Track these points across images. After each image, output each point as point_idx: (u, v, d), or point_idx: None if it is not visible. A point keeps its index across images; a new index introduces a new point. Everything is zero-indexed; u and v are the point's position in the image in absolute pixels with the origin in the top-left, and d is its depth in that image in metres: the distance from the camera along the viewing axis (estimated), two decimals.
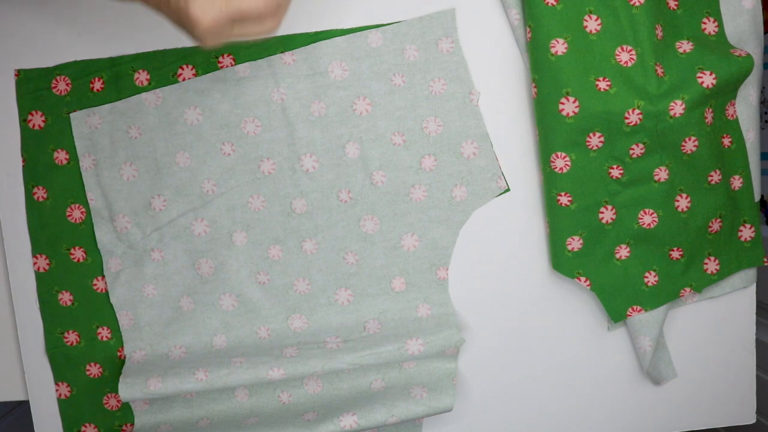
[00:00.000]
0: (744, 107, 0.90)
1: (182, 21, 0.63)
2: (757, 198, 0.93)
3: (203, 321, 0.93)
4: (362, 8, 0.88)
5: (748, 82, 0.89)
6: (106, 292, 0.93)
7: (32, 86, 0.89)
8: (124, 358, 0.93)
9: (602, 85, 0.83)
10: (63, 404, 0.95)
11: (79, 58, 0.89)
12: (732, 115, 0.90)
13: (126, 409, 0.94)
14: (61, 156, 0.90)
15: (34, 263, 0.92)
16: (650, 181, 0.88)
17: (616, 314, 0.92)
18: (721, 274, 0.93)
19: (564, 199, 0.88)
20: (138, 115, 0.89)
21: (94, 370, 0.94)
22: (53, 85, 0.89)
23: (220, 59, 0.88)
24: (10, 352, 0.96)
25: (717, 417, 0.99)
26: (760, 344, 1.03)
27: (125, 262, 0.92)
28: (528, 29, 0.85)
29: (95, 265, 0.92)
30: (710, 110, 0.86)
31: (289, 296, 0.93)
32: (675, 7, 0.87)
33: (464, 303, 0.94)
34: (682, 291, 0.92)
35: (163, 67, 0.89)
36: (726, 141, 0.90)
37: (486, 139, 0.90)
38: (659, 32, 0.84)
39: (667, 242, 0.90)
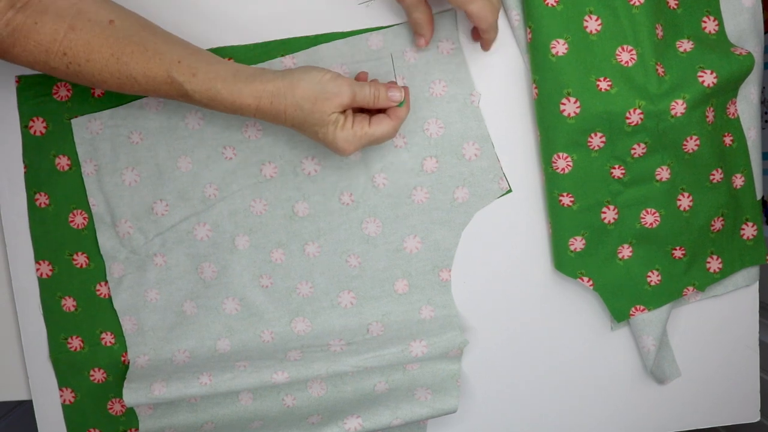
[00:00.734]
0: (745, 106, 0.90)
1: (328, 146, 0.80)
2: (759, 196, 0.93)
3: (207, 325, 0.93)
4: (362, 11, 0.88)
5: (749, 80, 0.89)
6: (110, 297, 0.92)
7: (33, 92, 0.89)
8: (128, 363, 0.93)
9: (603, 85, 0.83)
10: (67, 410, 0.94)
11: None
12: (733, 114, 0.90)
13: (130, 414, 0.94)
14: (62, 162, 0.90)
15: (37, 269, 0.92)
16: (652, 180, 0.88)
17: (619, 314, 0.93)
18: (724, 273, 0.93)
19: (566, 200, 0.88)
20: (139, 120, 0.89)
21: (98, 375, 0.94)
22: (54, 92, 0.89)
23: None
24: (13, 353, 0.96)
25: (721, 416, 0.99)
26: (762, 345, 1.02)
27: (128, 268, 0.92)
28: (528, 30, 0.85)
29: (98, 270, 0.92)
30: (711, 109, 0.86)
31: (292, 299, 0.93)
32: (675, 7, 0.87)
33: (467, 304, 0.94)
34: (685, 290, 0.92)
35: None
36: (727, 140, 0.90)
37: (487, 140, 0.90)
38: (659, 32, 0.84)
39: (670, 241, 0.90)
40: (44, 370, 0.94)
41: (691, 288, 0.92)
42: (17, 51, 0.73)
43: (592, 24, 0.84)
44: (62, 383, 0.94)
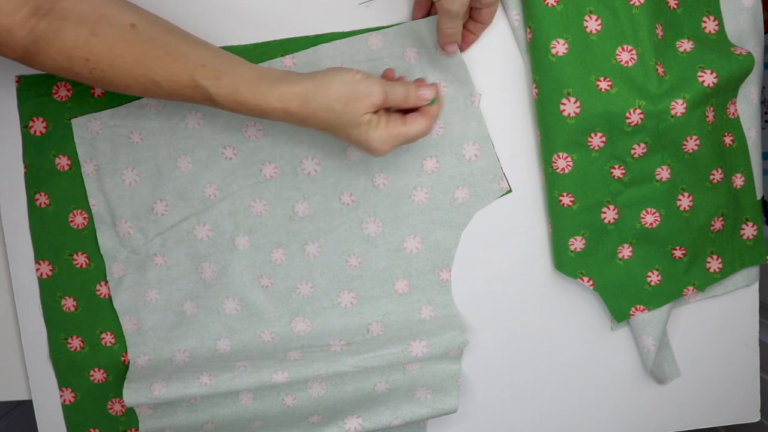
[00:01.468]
0: (745, 106, 0.90)
1: (362, 147, 0.79)
2: (759, 196, 0.93)
3: (207, 325, 0.93)
4: (362, 11, 0.88)
5: (749, 80, 0.89)
6: (110, 297, 0.92)
7: (33, 92, 0.89)
8: (128, 363, 0.93)
9: (603, 85, 0.83)
10: (67, 410, 0.94)
11: None
12: (733, 114, 0.90)
13: (130, 414, 0.94)
14: (62, 162, 0.90)
15: (37, 269, 0.92)
16: (652, 180, 0.88)
17: (619, 314, 0.92)
18: (724, 273, 0.93)
19: (566, 200, 0.88)
20: (139, 120, 0.89)
21: (98, 375, 0.94)
22: (54, 91, 0.89)
23: None
24: (13, 353, 0.95)
25: (721, 416, 0.99)
26: (762, 345, 1.02)
27: (128, 268, 0.92)
28: (528, 30, 0.85)
29: (98, 270, 0.92)
30: (711, 109, 0.86)
31: (292, 300, 0.93)
32: (675, 6, 0.87)
33: (467, 304, 0.94)
34: (685, 290, 0.92)
35: None
36: (727, 139, 0.90)
37: (487, 140, 0.90)
38: (659, 32, 0.84)
39: (670, 241, 0.90)
40: (44, 370, 0.94)
41: (691, 288, 0.92)
42: (42, 59, 0.72)
43: (592, 24, 0.84)
44: (62, 383, 0.94)
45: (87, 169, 0.90)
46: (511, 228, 0.93)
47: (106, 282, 0.92)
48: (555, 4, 0.83)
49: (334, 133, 0.78)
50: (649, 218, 0.89)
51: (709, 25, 0.88)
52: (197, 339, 0.93)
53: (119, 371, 0.93)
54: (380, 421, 0.89)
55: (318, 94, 0.74)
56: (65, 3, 0.71)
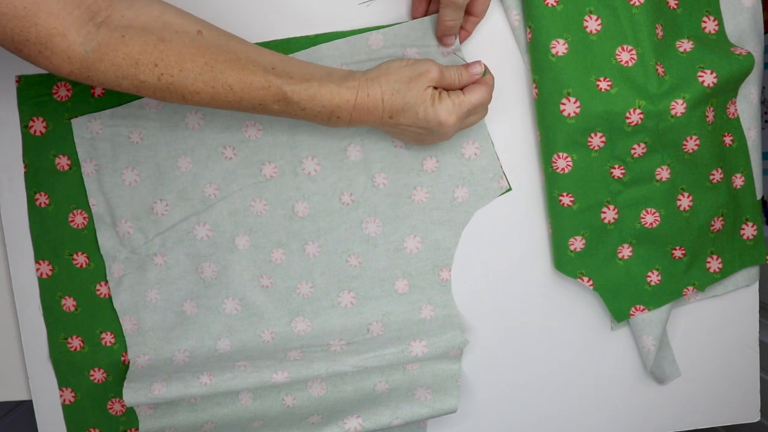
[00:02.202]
0: (745, 106, 0.90)
1: (430, 125, 0.79)
2: (759, 196, 0.93)
3: (207, 325, 0.92)
4: (362, 10, 0.88)
5: (749, 80, 0.89)
6: (110, 297, 0.92)
7: (33, 92, 0.89)
8: (128, 363, 0.93)
9: (603, 85, 0.83)
10: (67, 409, 0.94)
11: None
12: (733, 114, 0.89)
13: (130, 414, 0.94)
14: (62, 162, 0.90)
15: (37, 269, 0.92)
16: (652, 180, 0.87)
17: (619, 314, 0.92)
18: (724, 273, 0.93)
19: (566, 200, 0.88)
20: (139, 120, 0.89)
21: (98, 375, 0.93)
22: (54, 91, 0.89)
23: None
24: (13, 353, 0.95)
25: (721, 415, 0.99)
26: (762, 345, 1.02)
27: (128, 267, 0.91)
28: (528, 30, 0.85)
29: (98, 270, 0.92)
30: (711, 109, 0.85)
31: (292, 299, 0.93)
32: (675, 6, 0.86)
33: (467, 304, 0.94)
34: (685, 290, 0.92)
35: None
36: (727, 139, 0.90)
37: (487, 139, 0.90)
38: (659, 32, 0.84)
39: (670, 241, 0.90)
40: (44, 370, 0.94)
41: (691, 288, 0.92)
42: (104, 66, 0.70)
43: (592, 24, 0.83)
44: (62, 383, 0.94)
45: (87, 168, 0.90)
46: (511, 228, 0.93)
47: (106, 282, 0.92)
48: (555, 4, 0.83)
49: (399, 121, 0.79)
50: (649, 218, 0.89)
51: (709, 25, 0.87)
52: (197, 339, 0.93)
53: (119, 371, 0.93)
54: (380, 420, 0.89)
55: (381, 78, 0.77)
56: (123, 12, 0.71)
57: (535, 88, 0.86)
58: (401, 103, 0.77)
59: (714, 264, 0.92)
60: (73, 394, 0.94)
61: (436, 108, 0.78)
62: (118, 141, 0.89)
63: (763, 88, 1.36)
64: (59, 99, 0.89)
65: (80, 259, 0.92)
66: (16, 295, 0.93)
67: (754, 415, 0.99)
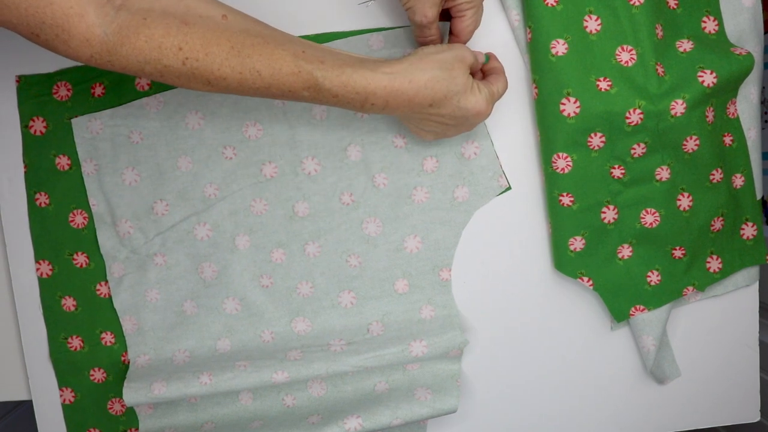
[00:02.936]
0: (745, 106, 0.89)
1: (468, 113, 0.76)
2: (759, 196, 0.92)
3: (207, 325, 0.92)
4: (362, 11, 0.87)
5: (749, 80, 0.88)
6: (110, 297, 0.91)
7: (33, 92, 0.88)
8: (128, 362, 0.92)
9: (603, 85, 0.82)
10: (67, 409, 0.93)
11: (80, 64, 0.87)
12: (733, 114, 0.88)
13: (130, 414, 0.93)
14: (62, 162, 0.89)
15: (37, 269, 0.91)
16: (652, 180, 0.87)
17: (619, 314, 0.91)
18: (724, 273, 0.92)
19: (566, 200, 0.87)
20: (139, 120, 0.88)
21: (98, 375, 0.93)
22: (54, 91, 0.88)
23: None
24: (13, 353, 0.95)
25: (721, 415, 0.98)
26: (762, 345, 1.01)
27: (128, 267, 0.91)
28: (528, 30, 0.84)
29: (98, 270, 0.91)
30: (711, 109, 0.84)
31: (292, 299, 0.92)
32: (675, 6, 0.86)
33: (467, 304, 0.93)
34: (685, 290, 0.91)
35: None
36: (727, 139, 0.89)
37: (486, 138, 0.89)
38: (659, 32, 0.83)
39: (670, 241, 0.89)
40: (44, 370, 0.93)
41: (691, 288, 0.91)
42: (126, 50, 0.67)
43: (592, 24, 0.82)
44: (62, 383, 0.93)
45: (87, 168, 0.89)
46: (511, 228, 0.92)
47: (106, 282, 0.91)
48: (555, 4, 0.82)
49: (439, 108, 0.75)
50: (649, 218, 0.88)
51: (709, 25, 0.87)
52: (197, 339, 0.92)
53: (119, 371, 0.93)
54: (380, 420, 0.88)
55: (420, 66, 0.73)
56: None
57: (535, 88, 0.85)
58: (445, 90, 0.74)
59: (714, 264, 0.92)
60: (73, 394, 0.93)
61: (477, 98, 0.76)
62: (119, 141, 0.88)
63: (763, 88, 1.35)
64: (59, 99, 0.88)
65: (80, 259, 0.91)
66: (16, 295, 0.92)
67: (754, 415, 0.98)
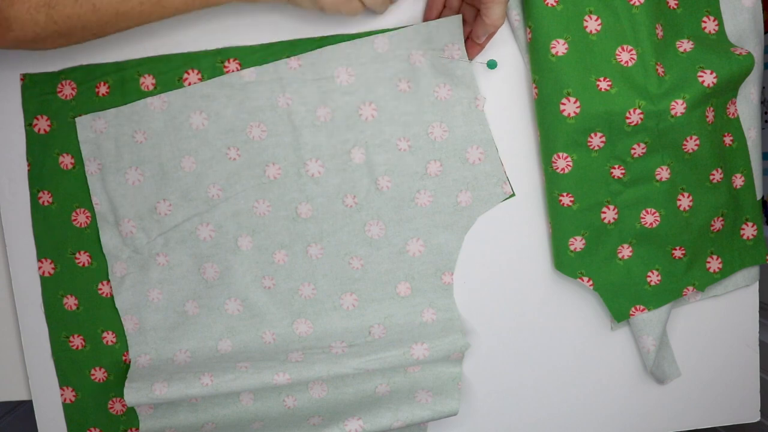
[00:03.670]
0: (745, 106, 0.88)
1: None
2: (759, 196, 0.91)
3: (208, 326, 0.90)
4: (368, 13, 0.86)
5: (749, 80, 0.87)
6: (112, 296, 0.90)
7: (38, 91, 0.87)
8: (129, 362, 0.90)
9: (603, 85, 0.82)
10: (68, 409, 0.91)
11: (84, 63, 0.86)
12: (733, 114, 0.88)
13: (131, 414, 0.91)
14: (66, 160, 0.87)
15: (39, 267, 0.89)
16: (652, 180, 0.86)
17: (619, 314, 0.90)
18: (724, 273, 0.91)
19: (566, 200, 0.86)
20: (143, 119, 0.86)
21: (99, 374, 0.91)
22: (59, 90, 0.87)
23: (226, 64, 0.86)
24: (13, 353, 0.93)
25: (721, 415, 0.97)
26: (762, 345, 1.01)
27: (130, 267, 0.89)
28: (528, 30, 0.83)
29: (100, 269, 0.89)
30: (711, 109, 0.84)
31: (294, 301, 0.90)
32: (675, 7, 0.85)
33: (468, 305, 0.92)
34: (685, 290, 0.90)
35: (168, 72, 0.86)
36: (727, 139, 0.88)
37: (491, 144, 0.88)
38: (659, 32, 0.82)
39: (670, 241, 0.88)
40: (44, 369, 0.91)
41: (691, 288, 0.90)
42: (17, 8, 0.66)
43: (592, 24, 0.82)
44: (63, 382, 0.91)
45: (90, 167, 0.87)
46: (511, 228, 0.91)
47: (108, 281, 0.89)
48: (555, 4, 0.81)
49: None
50: (649, 218, 0.87)
51: (709, 25, 0.86)
52: (199, 339, 0.90)
53: (120, 370, 0.91)
54: (381, 422, 0.87)
55: None
56: None
57: (535, 88, 0.84)
58: None
59: (714, 264, 0.91)
60: (73, 394, 0.91)
61: None
62: (122, 140, 0.87)
63: (763, 88, 1.35)
64: (64, 97, 0.86)
65: (82, 258, 0.89)
66: (17, 295, 0.90)
67: (754, 415, 0.97)
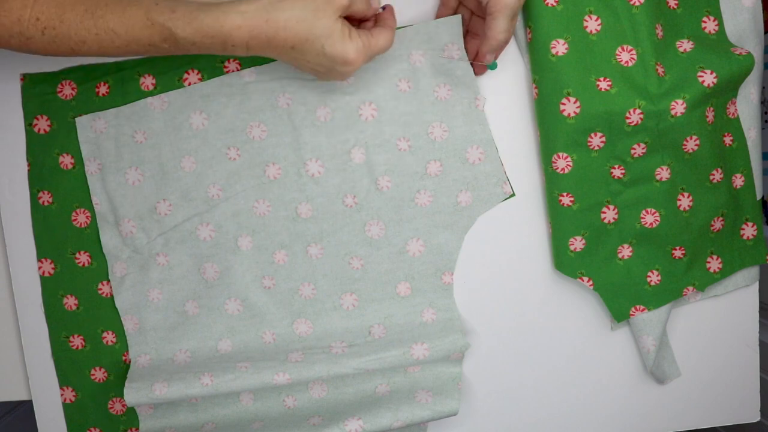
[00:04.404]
0: (745, 106, 0.87)
1: (335, 61, 0.70)
2: (759, 196, 0.90)
3: (208, 326, 0.89)
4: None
5: (749, 80, 0.86)
6: (112, 296, 0.88)
7: (38, 90, 0.86)
8: (129, 362, 0.89)
9: (603, 85, 0.80)
10: (68, 409, 0.90)
11: (84, 63, 0.85)
12: (733, 114, 0.87)
13: (131, 414, 0.90)
14: (66, 160, 0.86)
15: (39, 267, 0.88)
16: (652, 180, 0.84)
17: (619, 314, 0.89)
18: (724, 273, 0.90)
19: (566, 200, 0.85)
20: (143, 119, 0.85)
21: (99, 374, 0.90)
22: (59, 90, 0.85)
23: (226, 64, 0.85)
24: (13, 353, 0.92)
25: (721, 415, 0.96)
26: (762, 345, 1.00)
27: (130, 267, 0.88)
28: (528, 30, 0.82)
29: (100, 269, 0.88)
30: (711, 109, 0.83)
31: (294, 301, 0.89)
32: (675, 6, 0.84)
33: (468, 305, 0.91)
34: (685, 290, 0.89)
35: (168, 72, 0.85)
36: (727, 140, 0.87)
37: (491, 144, 0.87)
38: (659, 32, 0.81)
39: (670, 241, 0.87)
40: (44, 369, 0.90)
41: (691, 288, 0.89)
42: None
43: (592, 24, 0.81)
44: (63, 382, 0.90)
45: (90, 167, 0.86)
46: (511, 228, 0.90)
47: (108, 281, 0.88)
48: (555, 4, 0.80)
49: (303, 53, 0.70)
50: (649, 218, 0.86)
51: (709, 25, 0.85)
52: (199, 339, 0.89)
53: (120, 370, 0.90)
54: (381, 422, 0.86)
55: (280, 5, 0.67)
56: None
57: (535, 88, 0.83)
58: (305, 33, 0.68)
59: (714, 264, 0.89)
60: (73, 393, 0.90)
61: (345, 46, 0.69)
62: (122, 140, 0.86)
63: (763, 88, 1.34)
64: (64, 97, 0.85)
65: (82, 258, 0.88)
66: (17, 295, 0.89)
67: (754, 415, 0.96)
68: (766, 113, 1.36)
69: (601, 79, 0.80)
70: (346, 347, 0.88)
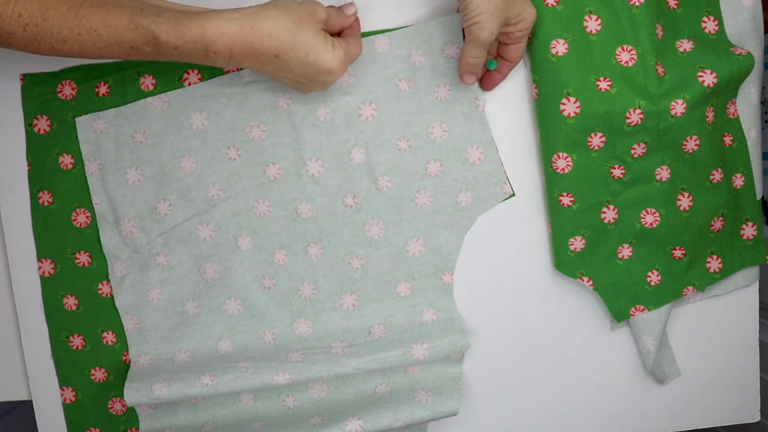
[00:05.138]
0: (745, 106, 0.86)
1: (318, 71, 0.71)
2: (759, 196, 0.89)
3: (208, 326, 0.88)
4: (368, 13, 0.84)
5: (749, 80, 0.85)
6: (112, 296, 0.88)
7: (38, 91, 0.85)
8: (129, 362, 0.88)
9: (603, 85, 0.80)
10: (68, 409, 0.90)
11: (84, 63, 0.84)
12: (733, 114, 0.86)
13: (131, 414, 0.89)
14: (66, 160, 0.85)
15: (39, 267, 0.87)
16: (652, 180, 0.84)
17: (619, 314, 0.88)
18: (724, 273, 0.89)
19: (566, 200, 0.84)
20: (143, 119, 0.84)
21: (99, 374, 0.89)
22: (59, 90, 0.85)
23: None
24: (13, 353, 0.91)
25: (721, 415, 0.95)
26: (762, 345, 0.99)
27: (130, 267, 0.87)
28: None
29: (100, 269, 0.87)
30: (711, 109, 0.82)
31: (294, 301, 0.88)
32: (675, 6, 0.83)
33: (468, 305, 0.90)
34: (685, 290, 0.88)
35: (168, 72, 0.84)
36: (727, 140, 0.86)
37: (491, 144, 0.86)
38: (659, 32, 0.80)
39: (670, 241, 0.86)
40: (44, 369, 0.89)
41: (691, 288, 0.88)
42: None
43: (592, 24, 0.80)
44: (63, 382, 0.89)
45: (90, 167, 0.85)
46: (511, 228, 0.89)
47: (108, 281, 0.87)
48: (555, 4, 0.79)
49: (286, 63, 0.70)
50: (649, 218, 0.85)
51: (709, 25, 0.84)
52: (199, 339, 0.88)
53: (120, 370, 0.89)
54: (381, 422, 0.85)
55: (265, 13, 0.68)
56: None
57: (535, 88, 0.82)
58: (290, 43, 0.68)
59: (714, 264, 0.88)
60: (73, 393, 0.89)
61: (327, 56, 0.70)
62: (122, 140, 0.85)
63: (763, 88, 1.34)
64: (64, 97, 0.85)
65: (82, 258, 0.87)
66: (17, 295, 0.88)
67: (754, 415, 0.95)
68: (766, 113, 1.35)
69: (601, 79, 0.80)
70: (346, 347, 0.88)
